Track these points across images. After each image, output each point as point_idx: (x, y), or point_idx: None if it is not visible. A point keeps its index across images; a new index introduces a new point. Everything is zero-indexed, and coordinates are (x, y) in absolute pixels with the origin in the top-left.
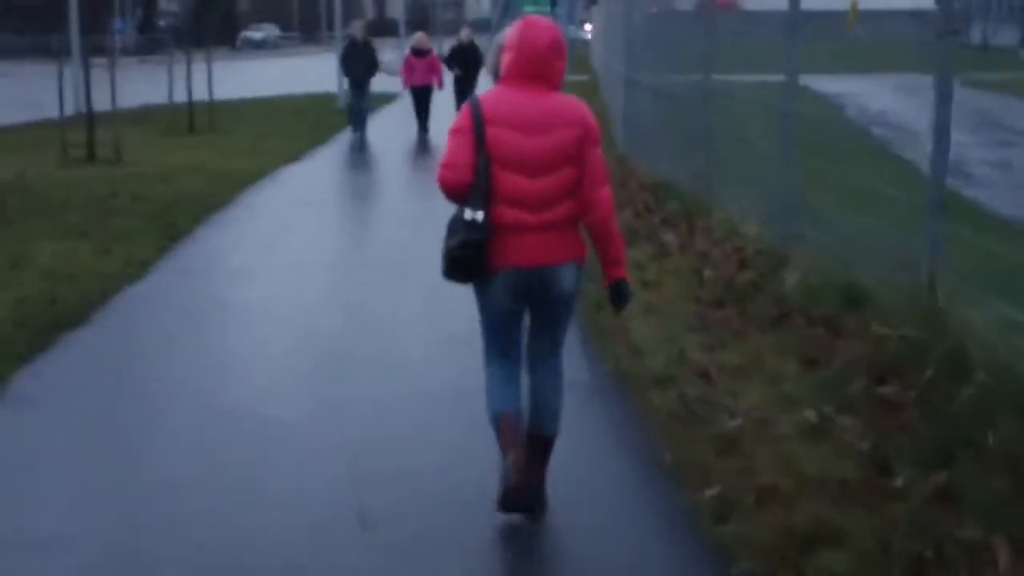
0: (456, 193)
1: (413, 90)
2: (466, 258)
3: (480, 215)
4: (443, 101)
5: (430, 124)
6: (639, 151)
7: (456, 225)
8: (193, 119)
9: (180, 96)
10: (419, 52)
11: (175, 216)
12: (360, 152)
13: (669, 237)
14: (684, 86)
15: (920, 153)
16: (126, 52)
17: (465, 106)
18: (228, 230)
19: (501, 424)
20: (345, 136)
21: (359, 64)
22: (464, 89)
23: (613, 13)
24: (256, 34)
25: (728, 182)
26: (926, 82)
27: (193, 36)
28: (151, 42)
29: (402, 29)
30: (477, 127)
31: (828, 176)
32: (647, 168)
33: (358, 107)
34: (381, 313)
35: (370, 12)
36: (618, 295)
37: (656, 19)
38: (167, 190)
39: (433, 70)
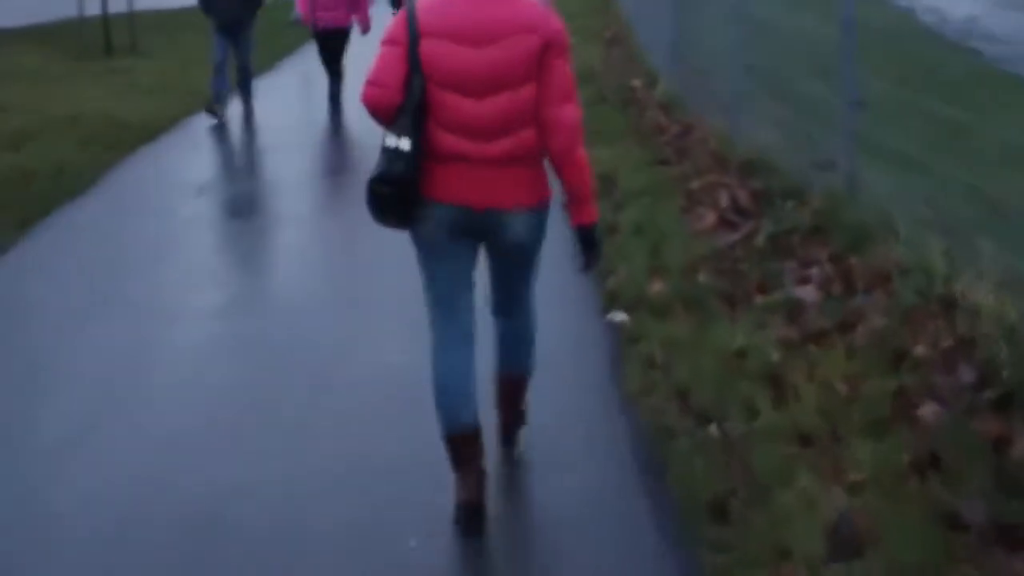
0: (382, 116)
1: (318, 35)
2: (388, 196)
3: (406, 143)
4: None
5: (344, 90)
6: (704, 98)
7: (381, 155)
8: (110, 37)
9: (94, 7)
10: None
11: None
12: (243, 144)
13: (805, 292)
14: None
15: None
16: None
17: (400, 13)
18: (57, 259)
19: (451, 441)
20: (302, 60)
21: None
22: None
23: None
24: None
25: (891, 173)
26: None
27: None
28: None
29: None
30: (412, 38)
31: None
32: (723, 128)
33: (236, 65)
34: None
35: None
36: (585, 244)
37: None
38: (11, 161)
39: (353, 4)
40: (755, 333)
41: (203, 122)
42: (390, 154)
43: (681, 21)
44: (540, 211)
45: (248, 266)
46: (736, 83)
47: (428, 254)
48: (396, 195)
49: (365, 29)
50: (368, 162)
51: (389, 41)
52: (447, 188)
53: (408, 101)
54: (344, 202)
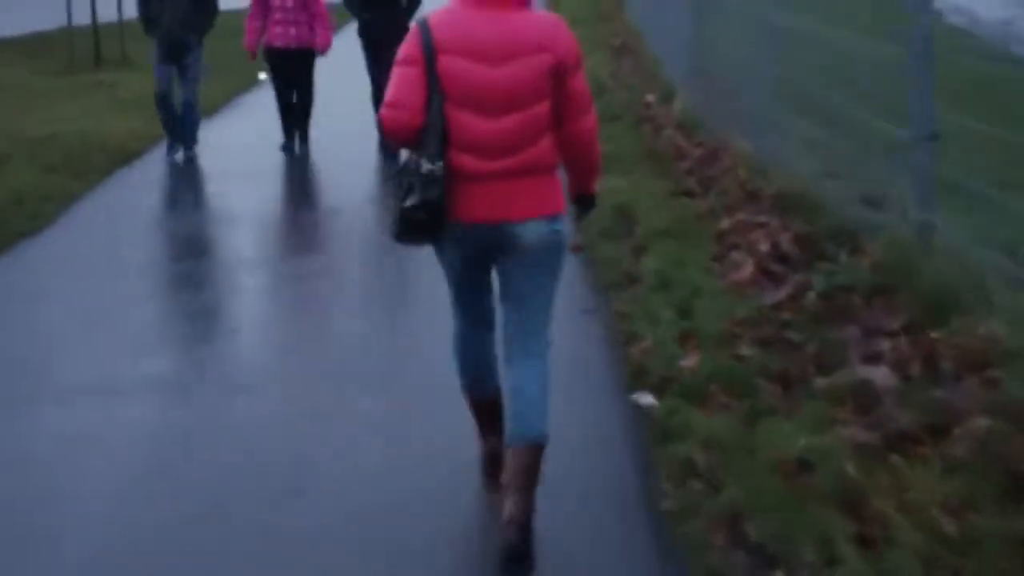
0: (401, 139)
1: (270, 55)
2: (423, 220)
3: (439, 167)
4: (339, 79)
5: (311, 128)
6: (729, 117)
7: (409, 179)
8: (99, 48)
9: (83, 17)
10: None
11: None
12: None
13: (877, 374)
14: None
15: None
16: None
17: (413, 29)
18: None
19: (477, 407)
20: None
21: (168, 4)
22: (380, 56)
23: None
24: None
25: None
26: None
27: None
28: None
29: None
30: (428, 56)
31: None
32: (753, 153)
33: (176, 98)
34: None
35: None
36: (583, 207)
37: None
38: None
39: (312, 15)
40: (820, 432)
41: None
42: (425, 179)
43: (700, 29)
44: (555, 222)
45: (201, 331)
46: (768, 102)
47: (453, 272)
48: (431, 220)
49: (324, 49)
50: (339, 240)
51: (404, 60)
52: (461, 208)
53: (433, 122)
54: (306, 293)
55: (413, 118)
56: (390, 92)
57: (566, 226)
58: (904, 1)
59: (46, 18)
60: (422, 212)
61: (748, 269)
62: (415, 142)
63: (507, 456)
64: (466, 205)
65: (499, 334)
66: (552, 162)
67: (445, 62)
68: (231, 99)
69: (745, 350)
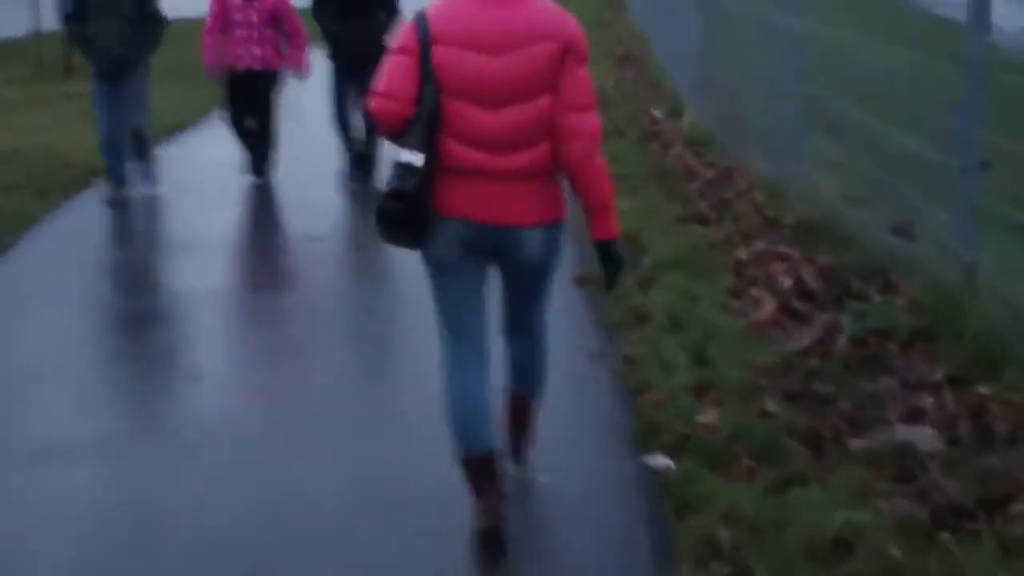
0: (392, 129)
1: (234, 80)
2: (398, 212)
3: (418, 158)
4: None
5: (274, 159)
6: (744, 134)
7: (392, 169)
8: (70, 56)
9: (53, 22)
10: None
11: None
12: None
13: (919, 435)
14: None
15: None
16: None
17: (409, 21)
18: None
19: (468, 464)
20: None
21: (106, 15)
22: (355, 75)
23: None
24: None
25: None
26: None
27: None
28: None
29: None
30: (423, 46)
31: None
32: (770, 175)
33: (128, 132)
34: None
35: None
36: (609, 260)
37: None
38: None
39: (284, 32)
40: (858, 504)
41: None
42: (401, 170)
43: (710, 37)
44: (555, 229)
45: (157, 379)
46: (788, 119)
47: (437, 273)
48: (406, 212)
49: (302, 70)
50: (312, 274)
51: (400, 50)
52: (458, 202)
53: (420, 113)
54: (276, 336)
55: (403, 108)
56: (382, 81)
57: (565, 232)
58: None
59: (13, 23)
60: (394, 202)
61: (769, 307)
62: (403, 132)
63: (503, 397)
64: (462, 199)
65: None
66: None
67: (442, 52)
68: (196, 117)
69: (770, 405)
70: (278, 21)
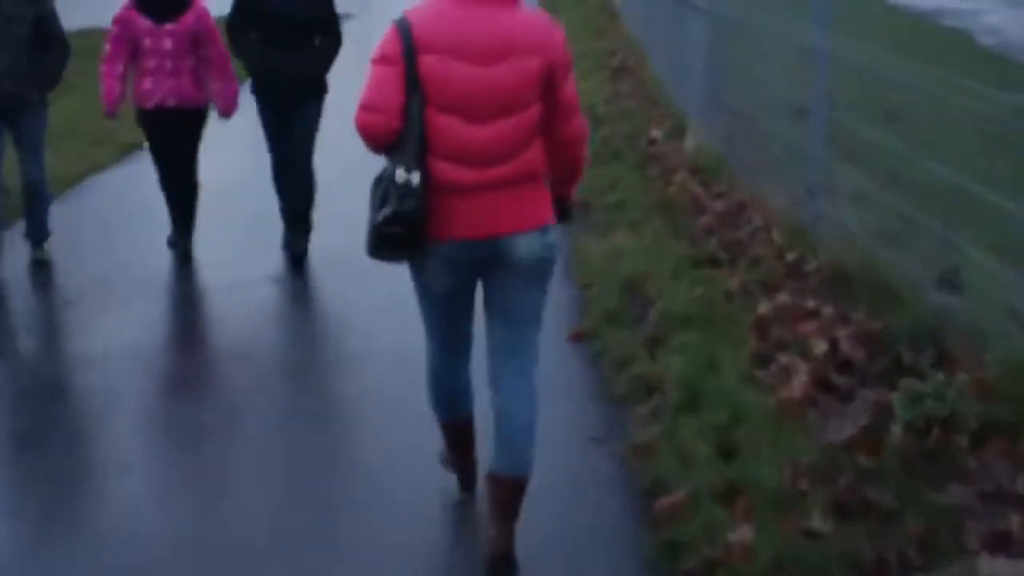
0: (378, 144)
1: (143, 120)
2: (399, 237)
3: (416, 177)
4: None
5: (194, 225)
6: (758, 160)
7: (385, 190)
8: None
9: None
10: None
11: None
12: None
13: (1007, 570)
14: None
15: None
16: None
17: (391, 28)
18: None
19: (447, 427)
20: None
21: (3, 48)
22: (293, 119)
23: None
24: None
25: None
26: None
27: None
28: None
29: None
30: (408, 56)
31: None
32: (789, 207)
33: (21, 179)
34: None
35: None
36: (561, 215)
37: None
38: None
39: (205, 61)
40: None
41: (105, 178)
42: (401, 191)
43: (722, 52)
44: (545, 234)
45: (41, 532)
46: (814, 145)
47: (429, 297)
48: (408, 235)
49: (227, 109)
50: (251, 368)
51: (382, 59)
52: (446, 224)
53: (410, 128)
54: (212, 450)
55: (390, 121)
56: (365, 93)
57: (556, 237)
58: None
59: None
60: (396, 226)
61: (802, 380)
62: (393, 148)
63: (488, 485)
64: (450, 221)
65: (478, 353)
66: (541, 170)
67: (429, 62)
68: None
69: (816, 520)
70: (198, 46)
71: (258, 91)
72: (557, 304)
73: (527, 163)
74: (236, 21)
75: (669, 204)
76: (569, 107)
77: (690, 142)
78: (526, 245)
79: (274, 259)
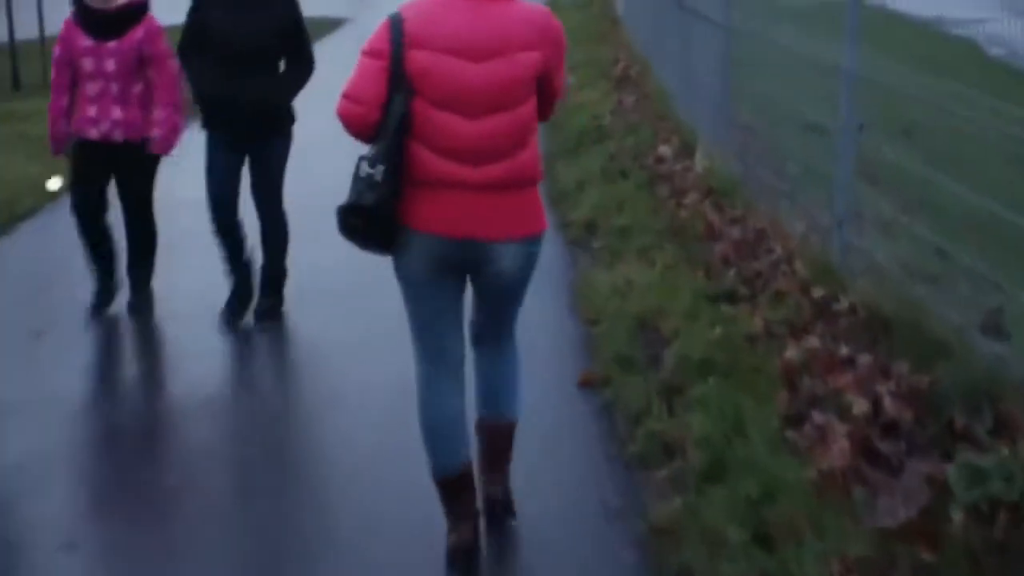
0: (358, 133)
1: (80, 152)
2: (360, 227)
3: (379, 171)
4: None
5: (145, 283)
6: (776, 181)
7: (354, 183)
8: (18, 70)
9: None
10: (92, 15)
11: None
12: None
13: None
14: None
15: None
16: None
17: (384, 22)
18: None
19: (443, 484)
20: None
21: None
22: (244, 154)
23: None
24: None
25: None
26: None
27: None
28: None
29: None
30: (395, 51)
31: None
32: (810, 234)
33: None
34: None
35: None
36: None
37: None
38: None
39: (153, 85)
40: None
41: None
42: (361, 183)
43: (739, 65)
44: (532, 244)
45: None
46: (843, 171)
47: (410, 289)
48: (367, 226)
49: (165, 142)
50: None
51: (370, 52)
52: (430, 217)
53: (387, 123)
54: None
55: (369, 112)
56: (350, 83)
57: (540, 247)
58: None
59: None
60: (353, 217)
61: (841, 447)
62: (370, 140)
63: (476, 433)
64: (429, 214)
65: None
66: (536, 174)
67: (420, 58)
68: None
69: None
70: (146, 66)
71: (207, 125)
72: (563, 343)
73: (520, 165)
74: (184, 41)
75: (681, 230)
76: (555, 97)
77: (701, 161)
78: (510, 256)
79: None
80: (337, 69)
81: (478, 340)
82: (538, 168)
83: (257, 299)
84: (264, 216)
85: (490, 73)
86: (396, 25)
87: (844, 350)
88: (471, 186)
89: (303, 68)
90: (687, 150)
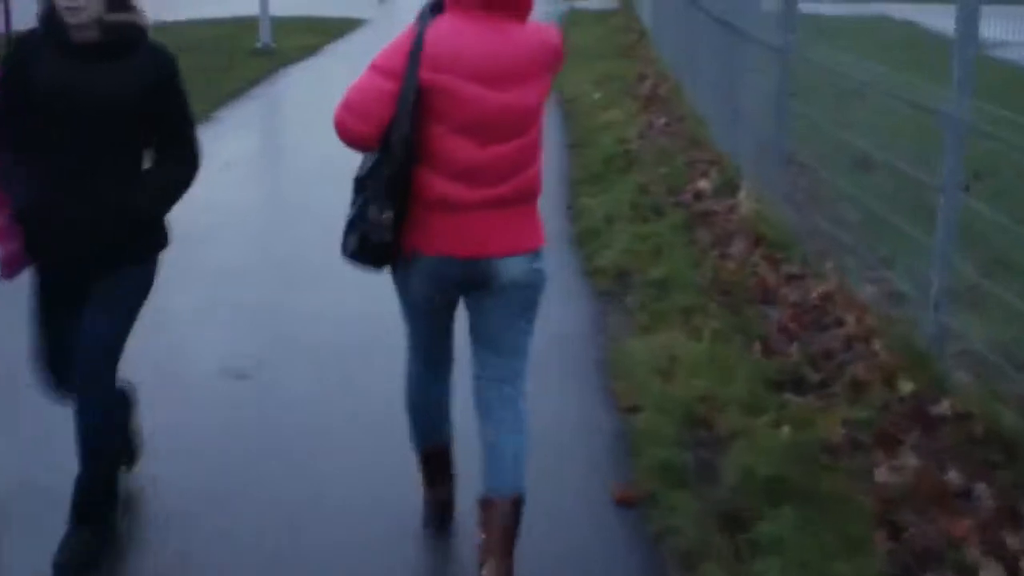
0: (351, 146)
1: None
2: (364, 260)
3: (388, 217)
4: None
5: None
6: (829, 232)
7: (361, 216)
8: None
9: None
10: None
11: None
12: None
13: None
14: None
15: None
16: None
17: (404, 35)
18: None
19: (424, 454)
20: (252, 109)
21: None
22: (79, 296)
23: None
24: None
25: None
26: None
27: None
28: None
29: None
30: (411, 73)
31: None
32: (896, 309)
33: None
34: None
35: None
36: None
37: None
38: None
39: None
40: None
41: None
42: (369, 225)
43: (795, 96)
44: (535, 259)
45: None
46: (944, 238)
47: (412, 309)
48: (376, 258)
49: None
50: None
51: (382, 70)
52: (435, 239)
53: (394, 152)
54: None
55: (371, 133)
56: (353, 93)
57: (547, 262)
58: None
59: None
60: (367, 255)
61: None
62: (368, 178)
63: (482, 513)
64: (436, 237)
65: (458, 370)
66: (538, 190)
67: (439, 82)
68: None
69: None
70: None
71: (30, 252)
72: (596, 438)
73: (527, 181)
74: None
75: (729, 287)
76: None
77: (745, 200)
78: (513, 269)
79: (229, 344)
80: (355, 73)
81: (483, 400)
82: (540, 182)
83: (64, 535)
84: (84, 397)
85: (506, 101)
86: (416, 46)
87: (954, 476)
88: (478, 206)
89: (185, 167)
90: (729, 187)
